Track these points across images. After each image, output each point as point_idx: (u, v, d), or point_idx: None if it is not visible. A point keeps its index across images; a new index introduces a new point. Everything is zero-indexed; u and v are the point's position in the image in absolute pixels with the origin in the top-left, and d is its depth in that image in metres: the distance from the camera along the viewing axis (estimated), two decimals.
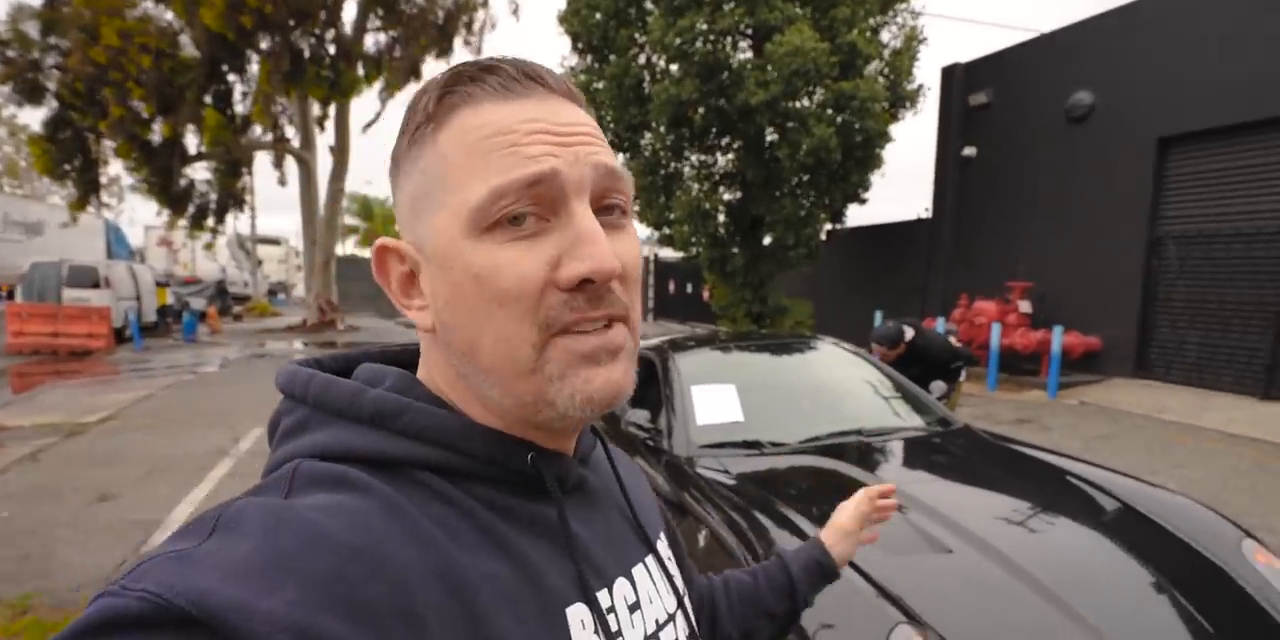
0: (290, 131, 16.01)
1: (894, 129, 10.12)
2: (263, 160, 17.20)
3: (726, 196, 10.79)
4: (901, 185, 12.20)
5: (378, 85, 15.63)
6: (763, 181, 9.94)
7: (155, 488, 4.56)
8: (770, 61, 8.60)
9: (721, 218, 10.65)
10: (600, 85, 10.22)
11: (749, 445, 2.70)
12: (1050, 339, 8.04)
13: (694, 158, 10.74)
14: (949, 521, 2.05)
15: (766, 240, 10.80)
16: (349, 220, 40.92)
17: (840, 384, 3.31)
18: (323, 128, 16.92)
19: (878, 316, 10.30)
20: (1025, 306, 8.84)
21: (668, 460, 2.69)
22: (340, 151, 16.42)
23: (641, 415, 2.97)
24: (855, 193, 10.18)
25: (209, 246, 19.16)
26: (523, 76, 0.42)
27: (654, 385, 3.86)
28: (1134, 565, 1.94)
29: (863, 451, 2.66)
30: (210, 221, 17.56)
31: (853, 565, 1.79)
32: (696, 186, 10.61)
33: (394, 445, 0.41)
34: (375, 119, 16.11)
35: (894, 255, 12.18)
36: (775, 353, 3.56)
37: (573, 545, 0.43)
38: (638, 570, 0.49)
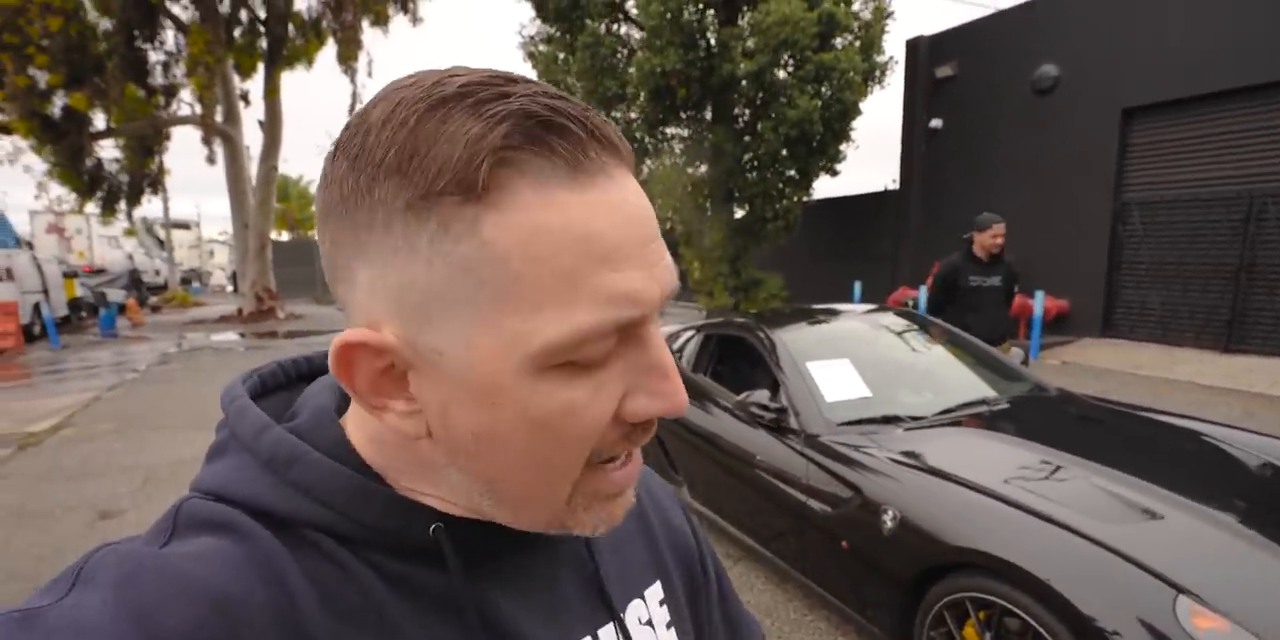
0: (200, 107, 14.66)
1: (862, 102, 10.23)
2: (177, 138, 15.77)
3: (704, 170, 10.67)
4: (866, 157, 12.42)
5: (320, 55, 14.50)
6: (740, 154, 9.87)
7: (162, 500, 4.13)
8: (756, 31, 8.46)
9: (699, 192, 10.54)
10: (570, 56, 9.82)
11: (888, 421, 2.63)
12: (1027, 303, 8.40)
13: (671, 131, 10.54)
14: (1133, 484, 2.05)
15: (740, 214, 10.79)
16: None
17: (930, 352, 3.29)
18: (248, 102, 15.62)
19: (856, 287, 10.51)
20: None
21: (807, 439, 2.59)
22: (271, 127, 15.22)
23: (762, 395, 2.85)
24: (830, 165, 10.26)
25: (130, 232, 17.52)
26: (592, 140, 0.32)
27: (749, 362, 3.75)
28: None
29: (1004, 419, 2.64)
30: (123, 205, 16.03)
31: (1081, 534, 1.76)
32: (673, 161, 10.43)
33: (281, 497, 0.36)
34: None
35: (862, 226, 12.43)
36: (852, 324, 3.50)
37: (473, 625, 0.37)
38: None
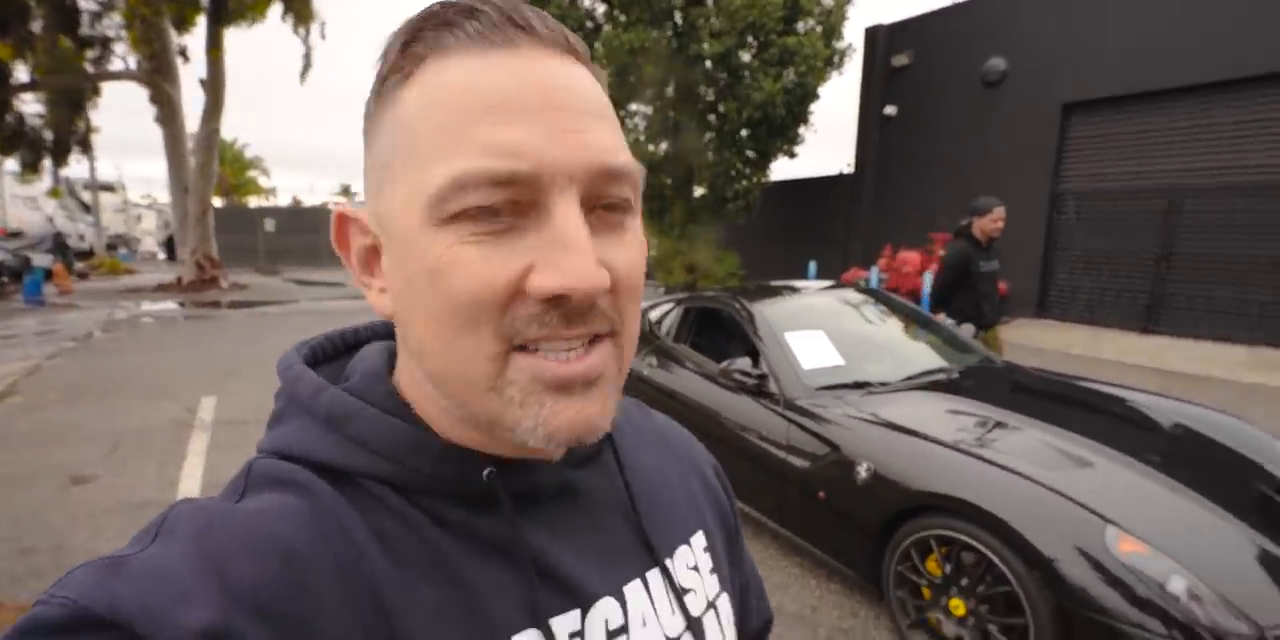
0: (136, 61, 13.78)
1: (821, 87, 10.48)
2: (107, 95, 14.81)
3: (665, 147, 10.77)
4: (823, 141, 12.69)
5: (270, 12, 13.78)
6: (703, 134, 10.01)
7: (136, 467, 4.11)
8: (723, 12, 8.55)
9: (660, 170, 10.65)
10: None
11: (858, 386, 2.89)
12: None
13: (635, 107, 10.57)
14: (1070, 438, 2.36)
15: (700, 192, 10.96)
16: None
17: (894, 326, 3.57)
18: (186, 58, 14.78)
19: (811, 267, 10.87)
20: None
21: (786, 403, 2.83)
22: (214, 85, 14.46)
23: (744, 363, 3.07)
24: (790, 147, 10.51)
25: (56, 193, 16.44)
26: (506, 22, 0.34)
27: (726, 333, 3.96)
28: (1210, 465, 2.38)
29: (960, 386, 2.93)
30: (47, 164, 15.05)
31: (1028, 478, 2.05)
32: (635, 139, 10.49)
33: (342, 452, 0.38)
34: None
35: (817, 208, 12.80)
36: (818, 299, 3.75)
37: (526, 565, 0.38)
38: (632, 588, 0.43)
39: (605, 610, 0.41)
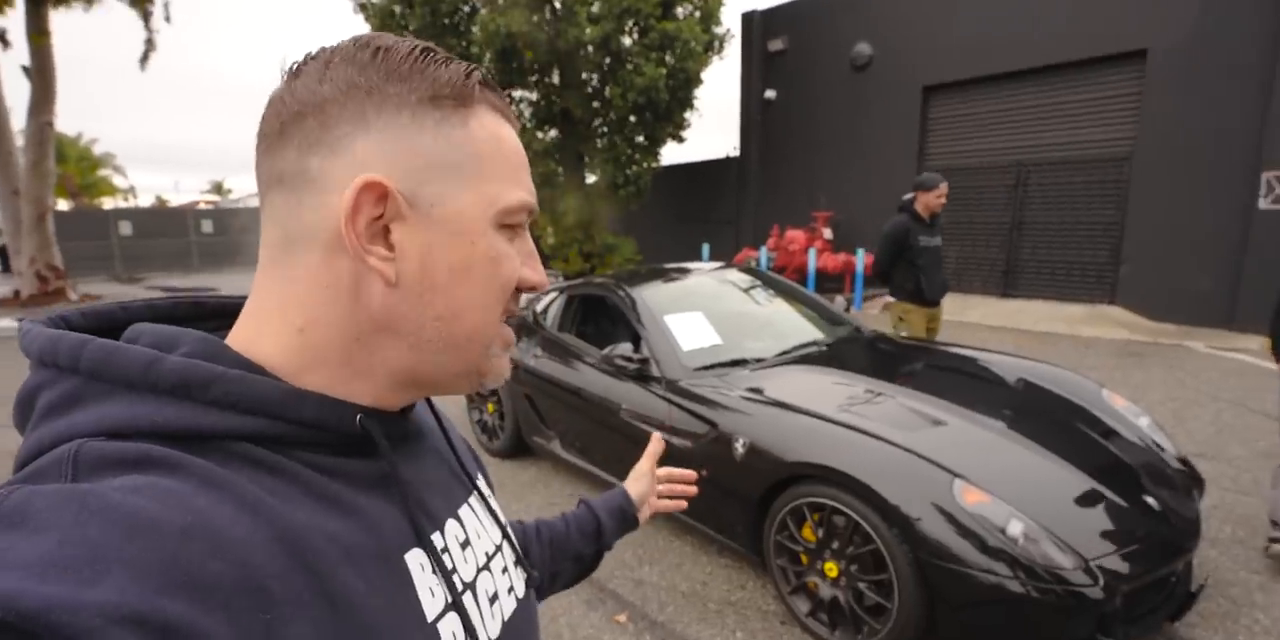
0: None
1: (704, 72, 10.64)
2: None
3: (553, 134, 10.60)
4: (709, 125, 12.90)
5: None
6: (590, 119, 9.93)
7: None
8: None
9: (550, 157, 10.48)
10: (409, 10, 9.26)
11: (735, 364, 2.96)
12: (851, 260, 9.41)
13: (519, 94, 10.31)
14: (927, 400, 2.53)
15: (592, 179, 10.90)
16: None
17: (772, 303, 3.69)
18: (6, 42, 13.04)
19: (705, 249, 11.09)
20: (828, 233, 10.15)
21: (668, 384, 2.86)
22: (42, 73, 12.79)
23: (625, 348, 3.08)
24: (677, 132, 10.61)
25: None
26: (507, 106, 0.50)
27: (610, 319, 3.94)
28: (1047, 415, 2.61)
29: (830, 358, 3.06)
30: None
31: (887, 441, 2.17)
32: (522, 124, 10.24)
33: (201, 416, 0.38)
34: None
35: (708, 191, 13.04)
36: (701, 281, 3.82)
37: (405, 496, 0.46)
38: (463, 510, 0.54)
39: (453, 529, 0.51)
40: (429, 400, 0.59)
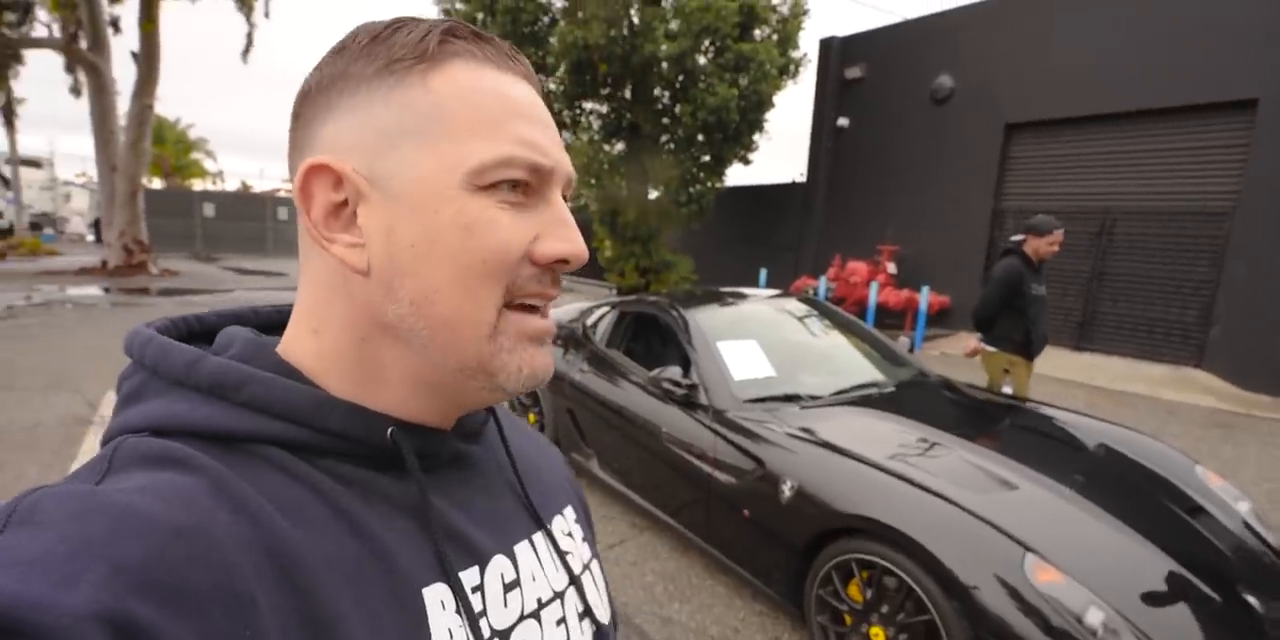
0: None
1: (776, 95, 10.53)
2: (32, 65, 13.85)
3: (620, 148, 10.64)
4: (777, 149, 12.79)
5: None
6: (658, 135, 9.93)
7: (16, 467, 3.75)
8: (679, 14, 8.48)
9: (615, 170, 10.51)
10: (490, 18, 9.47)
11: (789, 399, 2.81)
12: (914, 297, 9.07)
13: (590, 106, 10.41)
14: (997, 460, 2.32)
15: (655, 195, 10.88)
16: None
17: (830, 337, 3.52)
18: (118, 29, 13.96)
19: (762, 274, 10.90)
20: (891, 267, 9.84)
21: (715, 414, 2.73)
22: (148, 59, 13.66)
23: (674, 372, 2.96)
24: (744, 153, 10.52)
25: None
26: (505, 56, 0.43)
27: (661, 340, 3.84)
28: (1130, 488, 2.37)
29: (891, 401, 2.88)
30: None
31: (954, 503, 1.99)
32: (589, 137, 10.33)
33: (232, 418, 0.38)
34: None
35: (770, 216, 12.86)
36: (758, 308, 3.68)
37: (432, 523, 0.41)
38: (520, 548, 0.48)
39: (500, 566, 0.45)
40: (499, 426, 0.53)
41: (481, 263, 0.39)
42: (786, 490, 2.29)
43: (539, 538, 0.50)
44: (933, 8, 10.12)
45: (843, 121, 11.29)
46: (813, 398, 2.84)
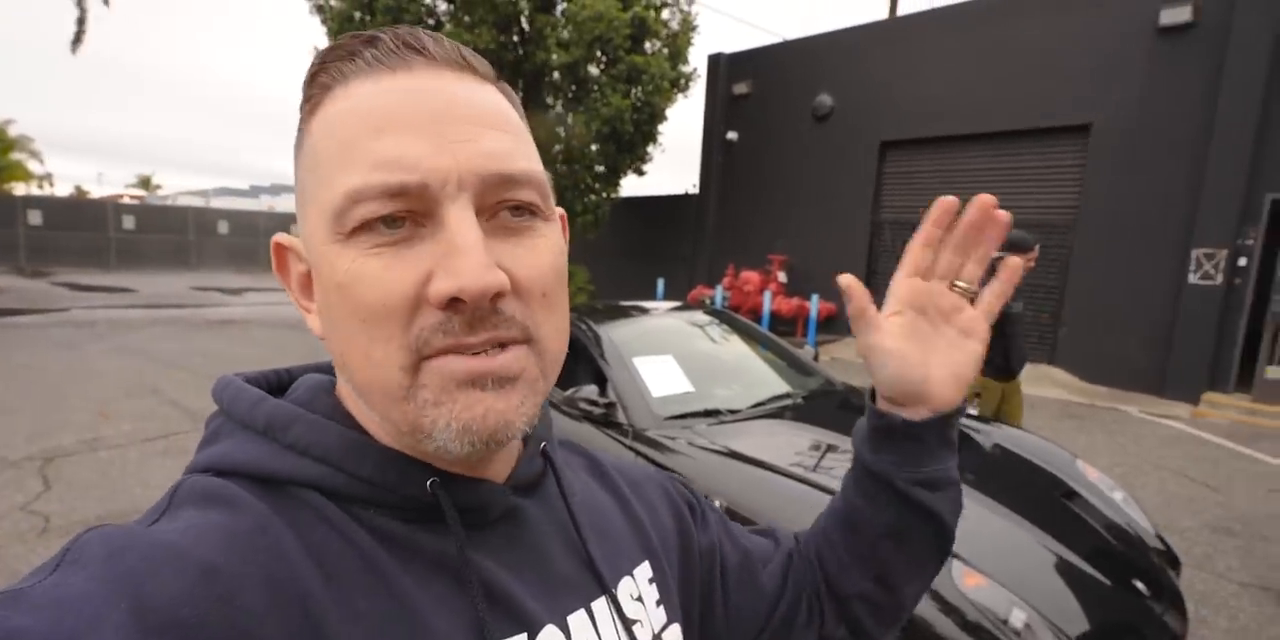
0: None
1: (669, 108, 10.70)
2: None
3: None
4: (670, 161, 12.99)
5: None
6: (552, 145, 9.80)
7: None
8: (572, 22, 8.42)
9: None
10: (369, 17, 8.98)
11: (707, 414, 2.77)
12: (805, 305, 9.47)
13: None
14: None
15: None
16: None
17: (741, 348, 3.54)
18: None
19: (660, 284, 11.00)
20: (782, 276, 10.23)
21: (635, 434, 2.64)
22: None
23: (590, 391, 2.85)
24: (639, 164, 10.60)
25: None
26: (401, 47, 0.37)
27: (572, 355, 3.69)
28: (1027, 486, 2.53)
29: (804, 412, 2.91)
30: None
31: None
32: None
33: (277, 459, 0.38)
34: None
35: (665, 226, 13.03)
36: (668, 321, 3.64)
37: (471, 586, 0.37)
38: (577, 617, 0.43)
39: (550, 637, 0.41)
40: (558, 478, 0.48)
41: (361, 323, 0.35)
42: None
43: (599, 605, 0.45)
44: (816, 29, 10.67)
45: (732, 135, 11.65)
46: (731, 412, 2.81)
